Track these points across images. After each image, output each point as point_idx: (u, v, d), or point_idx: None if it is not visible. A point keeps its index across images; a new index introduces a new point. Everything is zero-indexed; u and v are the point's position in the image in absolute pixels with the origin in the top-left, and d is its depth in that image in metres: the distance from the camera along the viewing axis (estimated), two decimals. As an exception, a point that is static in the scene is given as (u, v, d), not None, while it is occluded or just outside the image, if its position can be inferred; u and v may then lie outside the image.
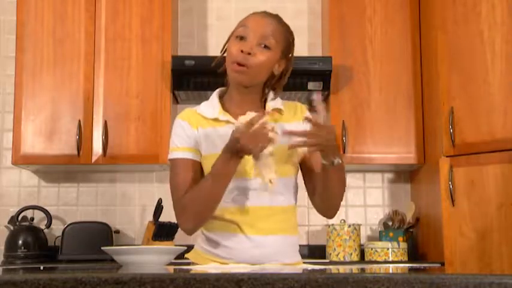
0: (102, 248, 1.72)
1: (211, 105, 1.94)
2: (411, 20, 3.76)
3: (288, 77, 1.98)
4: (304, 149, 1.79)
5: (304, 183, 1.97)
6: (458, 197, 3.23)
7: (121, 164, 3.67)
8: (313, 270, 1.36)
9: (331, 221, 3.70)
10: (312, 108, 1.84)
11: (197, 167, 1.90)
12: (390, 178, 4.02)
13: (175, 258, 1.69)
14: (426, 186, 3.68)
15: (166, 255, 1.65)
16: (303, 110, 1.98)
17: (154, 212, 3.62)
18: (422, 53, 3.71)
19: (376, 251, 3.57)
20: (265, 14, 1.92)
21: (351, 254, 3.63)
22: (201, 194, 1.82)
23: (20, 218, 3.69)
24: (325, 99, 3.82)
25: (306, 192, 1.96)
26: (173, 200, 1.89)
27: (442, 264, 3.24)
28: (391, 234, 3.69)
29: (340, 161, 1.79)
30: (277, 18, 1.92)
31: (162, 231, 3.58)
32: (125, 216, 3.93)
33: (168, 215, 3.48)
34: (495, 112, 3.18)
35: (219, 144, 1.85)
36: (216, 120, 1.90)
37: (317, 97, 1.78)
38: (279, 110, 1.94)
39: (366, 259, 3.63)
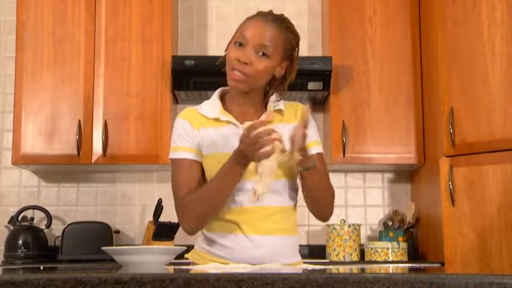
0: (102, 248, 1.71)
1: (212, 105, 1.93)
2: (411, 20, 3.76)
3: (293, 77, 1.95)
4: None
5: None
6: (458, 197, 3.23)
7: (121, 164, 3.67)
8: (313, 270, 1.36)
9: (331, 221, 3.68)
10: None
11: (198, 167, 1.90)
12: (390, 178, 4.02)
13: (175, 258, 1.69)
14: (426, 186, 3.68)
15: (166, 255, 1.65)
16: (301, 110, 1.97)
17: (154, 212, 3.62)
18: (422, 53, 3.71)
19: (376, 251, 3.57)
20: (266, 19, 1.86)
21: (351, 254, 3.63)
22: (205, 195, 1.82)
23: (20, 218, 3.69)
24: (325, 99, 3.83)
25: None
26: (175, 200, 1.90)
27: (442, 264, 3.24)
28: (391, 234, 3.69)
29: (312, 165, 1.81)
30: (277, 22, 1.86)
31: (162, 231, 3.58)
32: (124, 216, 3.93)
33: (168, 215, 3.49)
34: (495, 112, 3.18)
35: (220, 144, 1.85)
36: (217, 120, 1.90)
37: (307, 108, 1.78)
38: (280, 111, 1.94)
39: (366, 259, 3.63)
